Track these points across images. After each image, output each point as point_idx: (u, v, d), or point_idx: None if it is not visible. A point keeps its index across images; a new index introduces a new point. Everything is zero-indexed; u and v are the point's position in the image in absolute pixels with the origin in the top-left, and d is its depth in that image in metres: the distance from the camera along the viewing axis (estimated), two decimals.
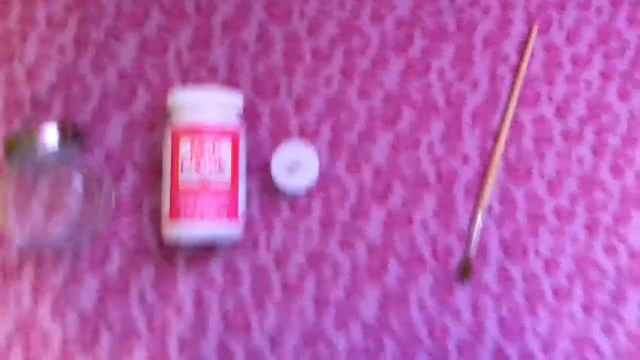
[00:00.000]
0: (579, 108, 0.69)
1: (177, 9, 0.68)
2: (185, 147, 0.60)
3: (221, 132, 0.60)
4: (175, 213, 0.59)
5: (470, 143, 0.69)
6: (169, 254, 0.65)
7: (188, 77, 0.67)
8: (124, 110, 0.66)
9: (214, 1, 0.69)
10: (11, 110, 0.66)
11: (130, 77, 0.67)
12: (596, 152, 0.69)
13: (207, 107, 0.61)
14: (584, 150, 0.69)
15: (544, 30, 0.70)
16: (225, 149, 0.60)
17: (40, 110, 0.66)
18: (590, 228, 0.68)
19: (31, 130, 0.59)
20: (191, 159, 0.59)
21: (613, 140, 0.69)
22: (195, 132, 0.60)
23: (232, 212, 0.61)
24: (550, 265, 0.68)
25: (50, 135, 0.59)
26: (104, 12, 0.67)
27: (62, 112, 0.66)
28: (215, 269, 0.66)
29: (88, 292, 0.65)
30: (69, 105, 0.66)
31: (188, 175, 0.59)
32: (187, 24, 0.68)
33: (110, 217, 0.65)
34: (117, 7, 0.68)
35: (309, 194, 0.67)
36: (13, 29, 0.66)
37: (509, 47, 0.70)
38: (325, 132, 0.68)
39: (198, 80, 0.67)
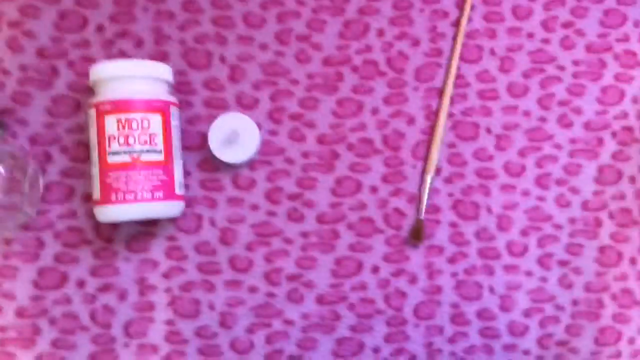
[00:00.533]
0: (523, 61, 0.68)
1: None
2: (111, 124, 0.56)
3: (149, 106, 0.57)
4: (107, 193, 0.56)
5: (415, 103, 0.67)
6: (106, 239, 0.62)
7: (112, 52, 0.63)
8: (46, 91, 0.62)
9: None
10: None
11: (49, 55, 0.62)
12: (542, 104, 0.68)
13: (132, 80, 0.57)
14: (530, 103, 0.68)
15: None
16: (155, 123, 0.57)
17: None
18: (541, 182, 0.67)
19: None
20: (119, 136, 0.56)
21: (559, 91, 0.68)
22: (122, 107, 0.56)
23: (169, 189, 0.58)
24: (503, 221, 0.67)
25: None
26: None
27: None
28: (158, 251, 0.63)
29: (23, 284, 0.61)
30: None
31: (117, 154, 0.56)
32: None
33: (39, 202, 0.61)
34: None
35: (252, 166, 0.64)
36: None
37: (448, 2, 0.67)
38: (264, 101, 0.65)
39: (123, 55, 0.64)
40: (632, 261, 0.67)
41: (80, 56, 0.63)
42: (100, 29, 0.63)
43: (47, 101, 0.62)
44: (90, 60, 0.63)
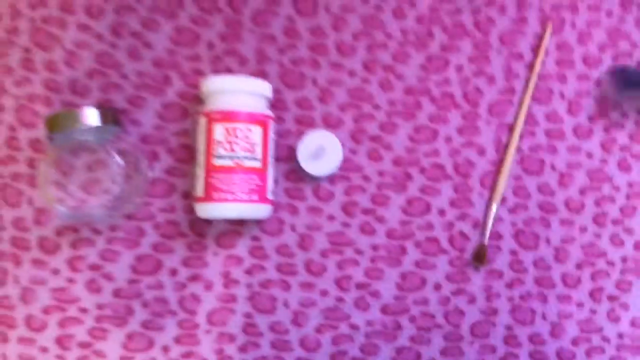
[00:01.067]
0: (589, 105, 0.73)
1: (210, 2, 0.71)
2: (219, 131, 0.63)
3: (252, 118, 0.64)
4: (210, 192, 0.62)
5: (486, 136, 0.72)
6: (199, 234, 0.68)
7: (219, 67, 0.70)
8: (158, 97, 0.69)
9: None
10: (52, 93, 0.69)
11: (164, 65, 0.70)
12: (605, 147, 0.73)
13: (240, 94, 0.64)
14: (592, 146, 0.73)
15: (558, 30, 0.74)
16: (256, 133, 0.64)
17: (79, 94, 0.69)
18: (598, 220, 0.72)
19: (72, 111, 0.62)
20: (225, 142, 0.63)
21: (620, 137, 0.73)
22: (229, 117, 0.63)
23: (262, 193, 0.64)
24: (560, 253, 0.71)
25: (90, 116, 0.62)
26: (140, 2, 0.70)
27: (100, 97, 0.69)
28: (243, 249, 0.69)
29: (122, 268, 0.67)
30: (107, 90, 0.69)
31: (222, 157, 0.63)
32: (219, 16, 0.71)
33: (145, 195, 0.68)
34: None
35: (332, 180, 0.70)
36: (53, 16, 0.69)
37: (524, 45, 0.73)
38: (348, 122, 0.71)
39: (228, 70, 0.71)
40: None
41: (191, 68, 0.70)
42: (210, 46, 0.71)
43: (158, 106, 0.70)
44: (199, 73, 0.70)
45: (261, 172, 0.64)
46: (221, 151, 0.63)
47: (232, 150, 0.63)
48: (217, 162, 0.63)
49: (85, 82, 0.69)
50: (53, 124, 0.62)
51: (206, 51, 0.71)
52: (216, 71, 0.70)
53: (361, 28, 0.72)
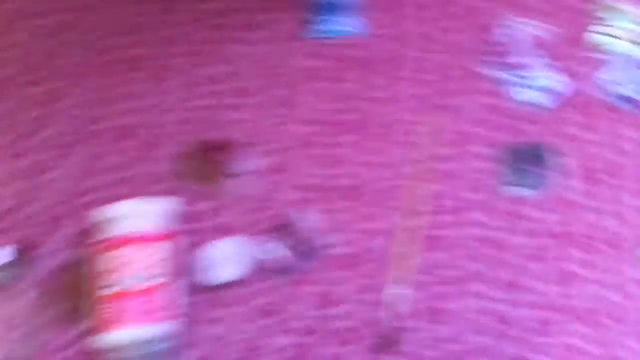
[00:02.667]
0: (476, 179, 0.76)
1: None
2: (113, 257, 0.66)
3: (149, 239, 0.67)
4: (105, 321, 0.65)
5: (385, 221, 0.75)
6: None
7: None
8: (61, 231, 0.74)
9: None
10: None
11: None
12: (508, 216, 0.75)
13: (134, 217, 0.67)
14: (487, 216, 0.75)
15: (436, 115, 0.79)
16: (154, 254, 0.67)
17: None
18: (508, 288, 0.73)
19: None
20: (120, 267, 0.65)
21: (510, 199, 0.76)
22: (123, 242, 0.66)
23: (161, 313, 0.66)
24: (475, 325, 0.72)
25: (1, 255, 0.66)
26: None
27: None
28: None
29: None
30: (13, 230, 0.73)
31: (115, 283, 0.65)
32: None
33: (55, 328, 0.69)
34: None
35: (242, 284, 0.72)
36: None
37: None
38: None
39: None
40: None
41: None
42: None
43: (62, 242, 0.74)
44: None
45: (161, 292, 0.67)
46: (114, 277, 0.65)
47: (127, 275, 0.65)
48: (113, 289, 0.65)
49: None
50: None
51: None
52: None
53: None
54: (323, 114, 0.79)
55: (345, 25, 0.81)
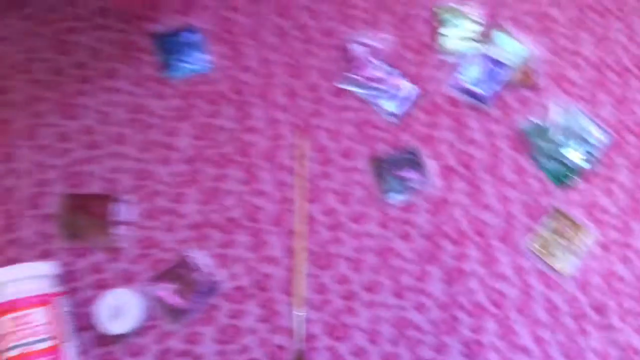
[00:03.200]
0: (358, 193, 0.80)
1: None
2: (6, 324, 0.64)
3: (34, 302, 0.65)
4: None
5: (275, 246, 0.77)
6: None
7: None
8: None
9: None
10: None
11: None
12: (382, 225, 0.79)
13: (16, 282, 0.66)
14: (371, 227, 0.79)
15: (310, 135, 0.82)
16: (41, 316, 0.65)
17: None
18: (398, 292, 0.77)
19: None
20: (8, 334, 0.63)
21: (394, 212, 0.80)
22: (8, 309, 0.64)
23: None
24: (373, 335, 0.75)
25: None
26: None
27: None
28: None
29: None
30: None
31: (13, 348, 0.63)
32: None
33: None
34: None
35: (144, 331, 0.72)
36: None
37: (284, 156, 0.80)
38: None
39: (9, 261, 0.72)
40: None
41: None
42: None
43: None
44: None
45: (54, 354, 0.65)
46: (4, 345, 0.63)
47: (17, 341, 0.63)
48: (10, 354, 0.63)
49: None
50: None
51: None
52: None
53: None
54: (203, 150, 0.79)
55: (198, 62, 0.82)
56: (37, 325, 0.65)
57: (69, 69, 0.81)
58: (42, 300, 0.66)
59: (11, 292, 0.65)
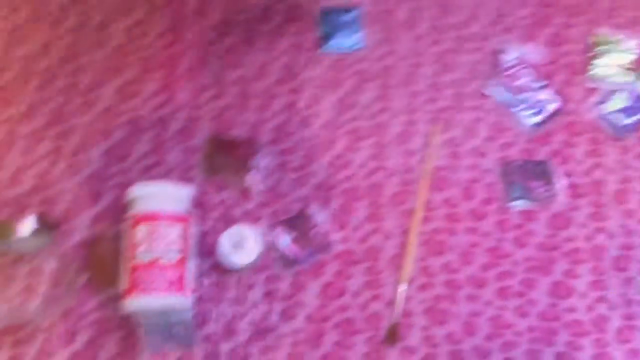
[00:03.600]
0: (482, 191, 0.82)
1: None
2: (141, 231, 0.71)
3: (172, 218, 0.72)
4: (131, 288, 0.69)
5: (391, 222, 0.80)
6: (130, 329, 0.74)
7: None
8: (93, 208, 0.79)
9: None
10: None
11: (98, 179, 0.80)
12: (500, 227, 0.80)
13: (160, 198, 0.73)
14: (488, 226, 0.80)
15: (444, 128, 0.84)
16: (175, 232, 0.72)
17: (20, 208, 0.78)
18: (502, 293, 0.78)
19: (8, 221, 0.70)
20: (146, 240, 0.70)
21: (514, 217, 0.81)
22: (150, 218, 0.71)
23: (181, 286, 0.71)
24: (470, 327, 0.77)
25: (26, 226, 0.71)
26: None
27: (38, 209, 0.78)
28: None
29: None
30: (45, 204, 0.78)
31: (143, 254, 0.70)
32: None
33: (77, 296, 0.74)
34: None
35: (254, 270, 0.77)
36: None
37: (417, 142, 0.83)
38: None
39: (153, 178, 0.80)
40: None
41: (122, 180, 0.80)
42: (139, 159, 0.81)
43: (92, 215, 0.78)
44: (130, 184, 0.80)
45: (180, 267, 0.71)
46: (142, 249, 0.70)
47: (153, 248, 0.70)
48: (139, 259, 0.70)
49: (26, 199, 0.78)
50: None
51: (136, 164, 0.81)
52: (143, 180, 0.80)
53: None
54: (343, 122, 0.84)
55: (353, 40, 0.89)
56: (170, 239, 0.71)
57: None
58: (179, 218, 0.72)
59: (154, 204, 0.72)
